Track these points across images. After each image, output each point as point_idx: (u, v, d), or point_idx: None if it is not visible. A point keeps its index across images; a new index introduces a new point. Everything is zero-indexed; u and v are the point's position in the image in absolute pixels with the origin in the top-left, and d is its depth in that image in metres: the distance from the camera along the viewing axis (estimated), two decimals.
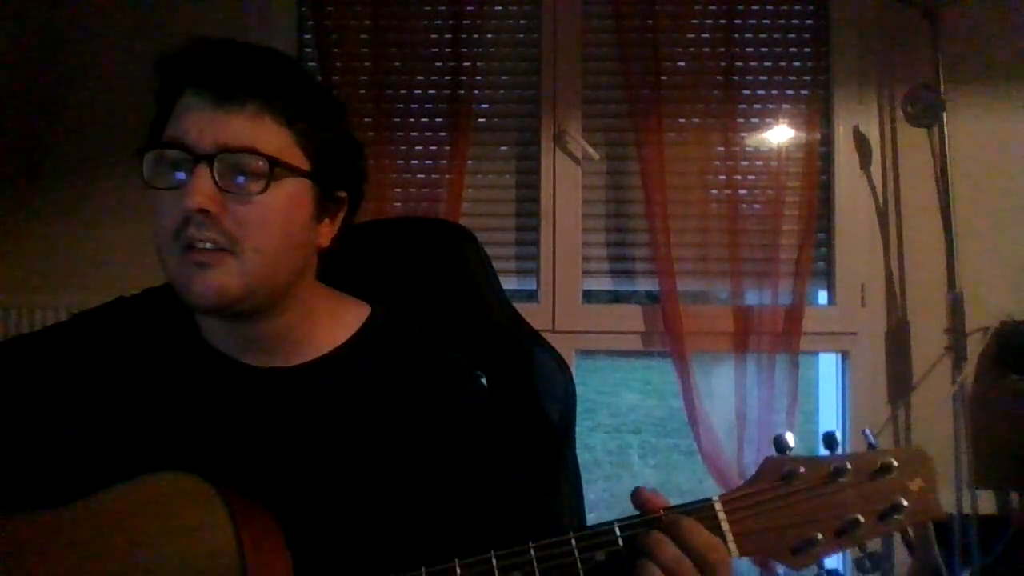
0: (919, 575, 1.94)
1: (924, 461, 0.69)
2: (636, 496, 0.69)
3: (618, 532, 0.67)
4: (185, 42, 0.79)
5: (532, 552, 0.67)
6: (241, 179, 0.75)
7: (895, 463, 0.68)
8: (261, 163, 0.75)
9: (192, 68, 0.77)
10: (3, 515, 0.75)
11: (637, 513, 0.69)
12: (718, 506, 0.68)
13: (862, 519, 0.66)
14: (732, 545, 0.67)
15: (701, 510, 0.68)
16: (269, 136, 0.76)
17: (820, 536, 0.66)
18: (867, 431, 0.71)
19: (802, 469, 0.68)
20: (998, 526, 1.93)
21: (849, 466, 0.67)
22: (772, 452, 0.70)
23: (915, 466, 0.68)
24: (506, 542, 0.68)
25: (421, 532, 0.79)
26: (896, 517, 0.67)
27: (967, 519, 1.90)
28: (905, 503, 0.67)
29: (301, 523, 0.76)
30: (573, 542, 0.67)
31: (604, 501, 4.36)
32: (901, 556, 1.98)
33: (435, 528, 0.80)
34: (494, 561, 0.67)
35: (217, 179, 0.74)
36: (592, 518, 1.12)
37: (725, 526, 0.67)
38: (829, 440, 0.70)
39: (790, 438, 0.69)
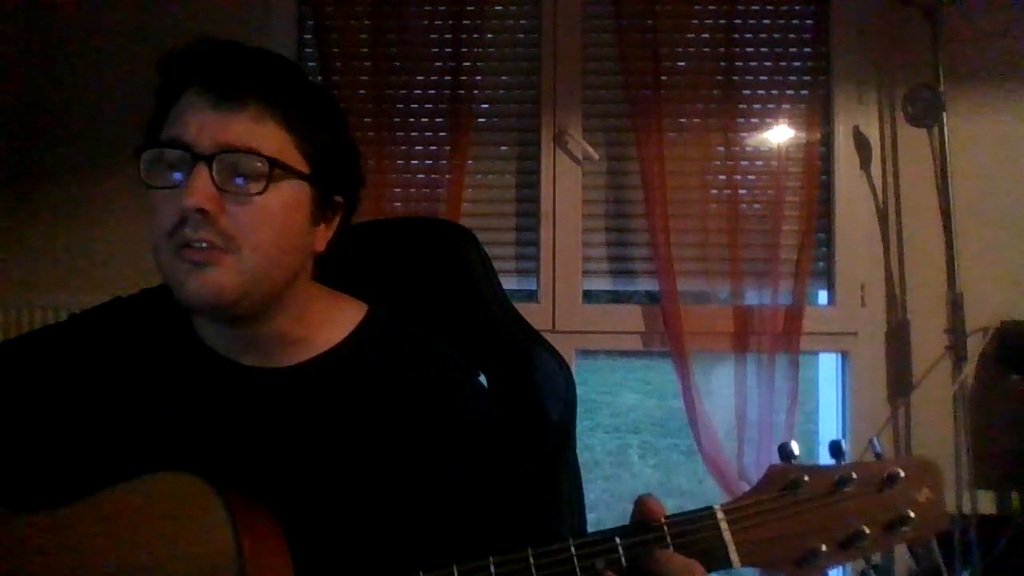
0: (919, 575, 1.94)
1: (931, 471, 0.68)
2: (641, 504, 0.68)
3: (618, 541, 0.67)
4: (188, 42, 0.79)
5: (531, 559, 0.67)
6: (240, 180, 0.75)
7: (902, 473, 0.66)
8: (260, 164, 0.75)
9: (194, 68, 0.77)
10: (3, 515, 0.75)
11: (637, 521, 0.68)
12: (720, 515, 0.67)
13: (867, 530, 0.65)
14: (734, 555, 0.66)
15: (703, 519, 0.67)
16: (269, 138, 0.76)
17: (824, 547, 0.65)
18: (874, 440, 0.69)
19: (807, 478, 0.67)
20: (998, 526, 1.93)
21: (855, 476, 0.66)
22: (772, 452, 0.70)
23: (922, 477, 0.67)
24: (505, 544, 0.68)
25: (420, 532, 0.79)
26: (902, 529, 0.65)
27: (967, 519, 1.90)
28: (912, 515, 0.65)
29: (301, 523, 0.76)
30: (572, 549, 0.67)
31: (604, 501, 4.35)
32: (902, 566, 1.97)
33: (434, 528, 0.80)
34: (492, 568, 0.67)
35: (216, 179, 0.73)
36: (592, 518, 1.12)
37: (727, 535, 0.66)
38: (834, 449, 0.69)
39: (795, 446, 0.68)
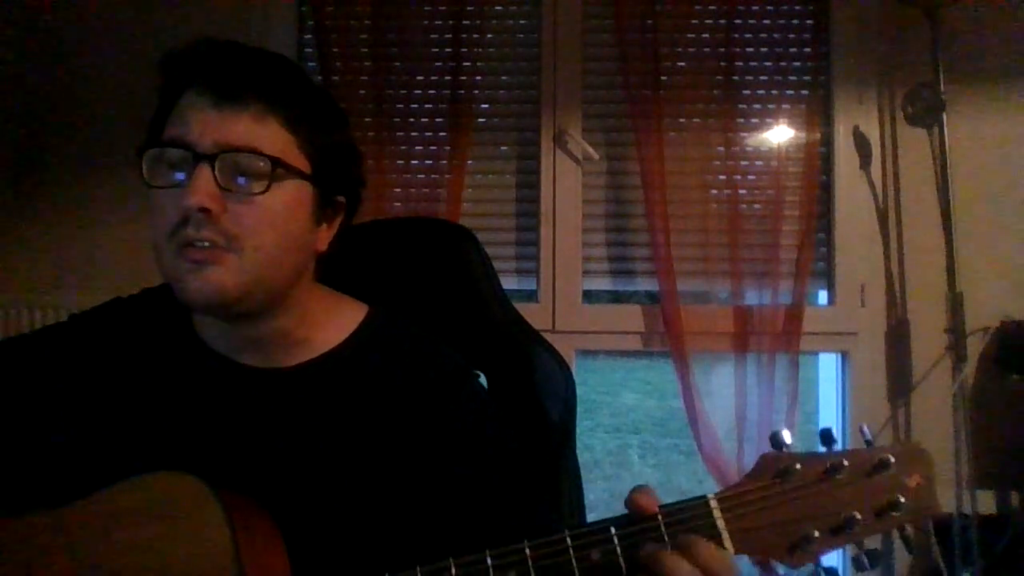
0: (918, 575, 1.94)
1: (922, 457, 0.68)
2: (629, 502, 0.68)
3: (613, 531, 0.67)
4: (189, 42, 0.79)
5: (527, 551, 0.67)
6: (242, 179, 0.75)
7: (892, 459, 0.67)
8: (263, 163, 0.75)
9: (196, 68, 0.77)
10: (3, 516, 0.75)
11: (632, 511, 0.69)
12: (713, 503, 0.67)
13: (859, 516, 0.66)
14: (727, 543, 0.66)
15: (696, 507, 0.67)
16: (271, 137, 0.76)
17: (817, 533, 0.66)
18: (864, 427, 0.70)
19: (798, 466, 0.67)
20: (998, 526, 1.93)
21: (846, 463, 0.67)
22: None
23: (913, 462, 0.68)
24: (503, 543, 0.68)
25: (419, 532, 0.79)
26: (894, 514, 0.66)
27: (967, 519, 1.90)
28: (903, 500, 0.66)
29: (299, 523, 0.76)
30: (568, 541, 0.67)
31: (604, 501, 4.35)
32: (901, 554, 1.98)
33: (434, 529, 0.80)
34: (489, 560, 0.67)
35: (218, 179, 0.73)
36: (592, 518, 1.12)
37: (720, 524, 0.67)
38: (826, 436, 0.69)
39: (786, 435, 0.69)
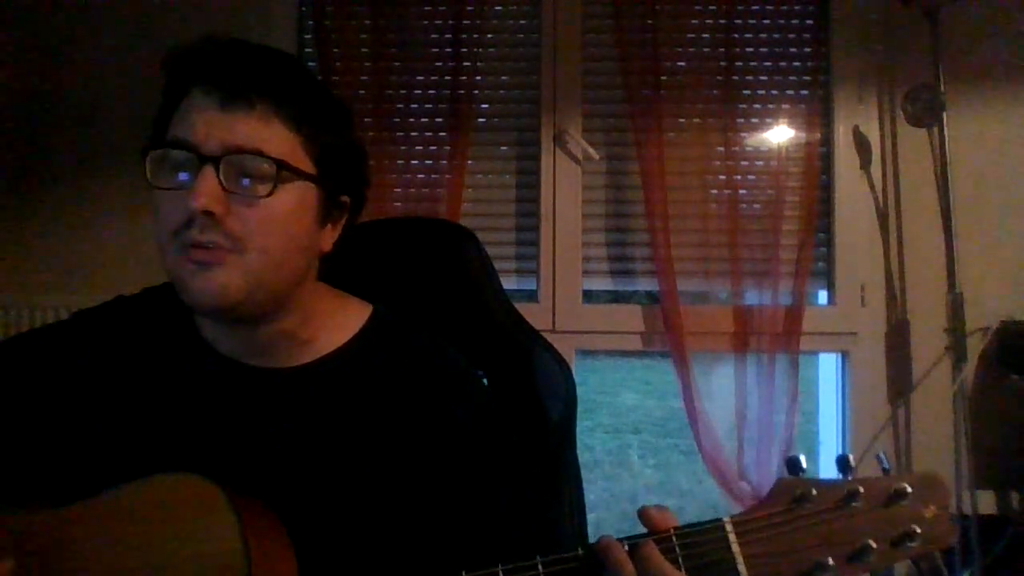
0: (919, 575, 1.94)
1: (938, 487, 0.68)
2: (642, 515, 0.68)
3: (626, 549, 0.67)
4: (194, 41, 0.78)
5: (540, 567, 0.67)
6: (247, 181, 0.74)
7: (909, 489, 0.67)
8: (268, 166, 0.74)
9: (200, 67, 0.76)
10: (6, 515, 0.75)
11: (644, 531, 0.68)
12: (728, 527, 0.67)
13: (874, 545, 0.65)
14: (742, 567, 0.66)
15: (711, 531, 0.67)
16: (276, 139, 0.76)
17: (831, 561, 0.65)
18: (881, 455, 0.70)
19: (814, 492, 0.67)
20: (998, 526, 1.93)
21: (862, 491, 0.66)
22: (772, 452, 0.70)
23: (929, 492, 0.67)
24: (506, 544, 0.68)
25: (424, 533, 0.79)
26: (910, 544, 0.66)
27: (967, 519, 1.90)
28: (919, 530, 0.66)
29: (305, 524, 0.76)
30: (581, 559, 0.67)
31: (604, 501, 4.35)
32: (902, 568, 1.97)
33: (438, 529, 0.80)
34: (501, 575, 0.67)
35: (223, 180, 0.73)
36: (592, 518, 1.12)
37: (735, 547, 0.66)
38: (842, 463, 0.69)
39: (803, 459, 0.69)
